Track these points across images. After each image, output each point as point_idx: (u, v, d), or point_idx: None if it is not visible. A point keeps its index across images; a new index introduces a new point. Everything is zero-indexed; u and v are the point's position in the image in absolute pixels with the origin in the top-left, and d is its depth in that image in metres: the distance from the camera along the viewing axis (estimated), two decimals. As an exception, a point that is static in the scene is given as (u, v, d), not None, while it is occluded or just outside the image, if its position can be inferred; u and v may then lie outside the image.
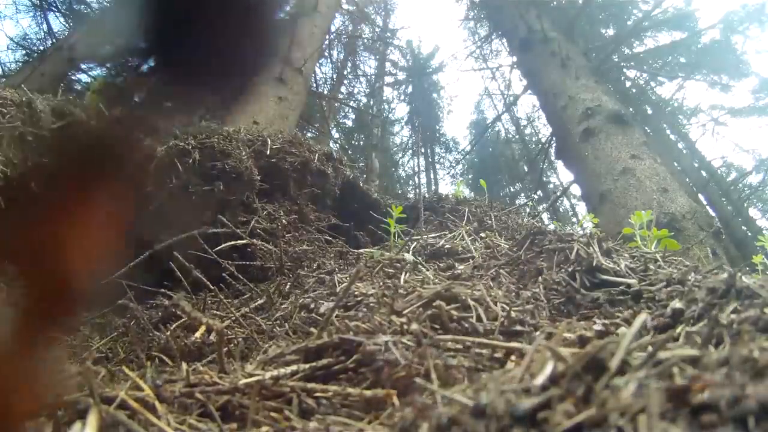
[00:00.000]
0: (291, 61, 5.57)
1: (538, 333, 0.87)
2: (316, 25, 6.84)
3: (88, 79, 8.65)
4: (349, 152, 12.32)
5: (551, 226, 1.95)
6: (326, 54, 11.43)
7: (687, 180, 8.83)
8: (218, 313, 1.41)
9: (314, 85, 8.35)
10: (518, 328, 0.89)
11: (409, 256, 1.57)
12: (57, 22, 8.87)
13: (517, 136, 15.04)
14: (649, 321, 0.83)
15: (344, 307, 1.15)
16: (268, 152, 2.39)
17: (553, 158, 8.79)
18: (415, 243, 1.83)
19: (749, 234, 7.66)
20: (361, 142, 14.08)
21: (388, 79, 15.85)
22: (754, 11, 8.06)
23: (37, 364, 0.35)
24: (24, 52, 8.69)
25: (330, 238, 2.33)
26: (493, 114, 14.71)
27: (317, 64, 9.11)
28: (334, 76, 13.35)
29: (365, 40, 14.65)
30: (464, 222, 2.29)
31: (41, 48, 8.41)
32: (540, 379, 0.51)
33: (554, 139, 7.13)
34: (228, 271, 1.59)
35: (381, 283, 1.30)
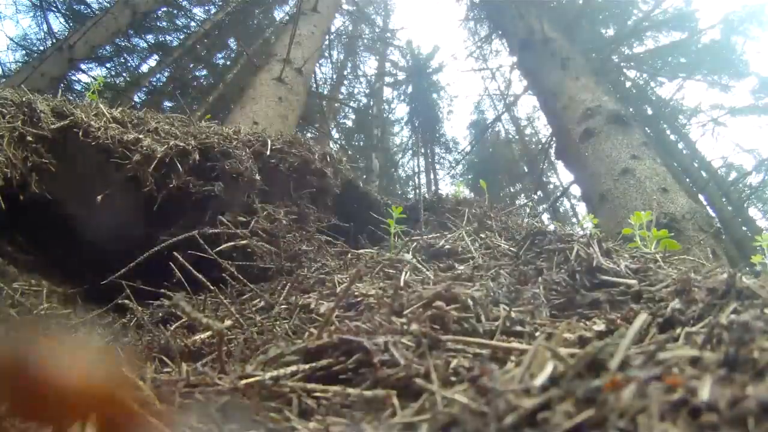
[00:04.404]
0: (291, 61, 5.56)
1: (538, 333, 0.87)
2: (315, 25, 6.84)
3: (88, 79, 8.66)
4: (349, 152, 12.32)
5: (551, 227, 1.95)
6: (326, 54, 11.43)
7: (687, 180, 8.82)
8: (222, 299, 1.41)
9: (314, 85, 8.35)
10: (518, 328, 0.89)
11: (408, 257, 1.57)
12: (57, 22, 8.89)
13: (517, 137, 15.03)
14: (649, 321, 0.83)
15: (344, 307, 1.15)
16: (268, 153, 2.39)
17: (553, 158, 8.79)
18: (415, 243, 1.83)
19: (749, 234, 7.65)
20: (361, 143, 14.08)
21: (388, 79, 15.87)
22: (754, 11, 8.06)
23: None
24: (24, 52, 8.71)
25: (330, 239, 2.33)
26: (493, 114, 14.70)
27: (317, 64, 9.11)
28: (334, 77, 13.36)
29: (365, 40, 14.66)
30: (464, 222, 2.29)
31: (41, 48, 8.42)
32: (540, 380, 0.51)
33: (554, 139, 7.13)
34: (228, 272, 1.59)
35: (381, 284, 1.30)
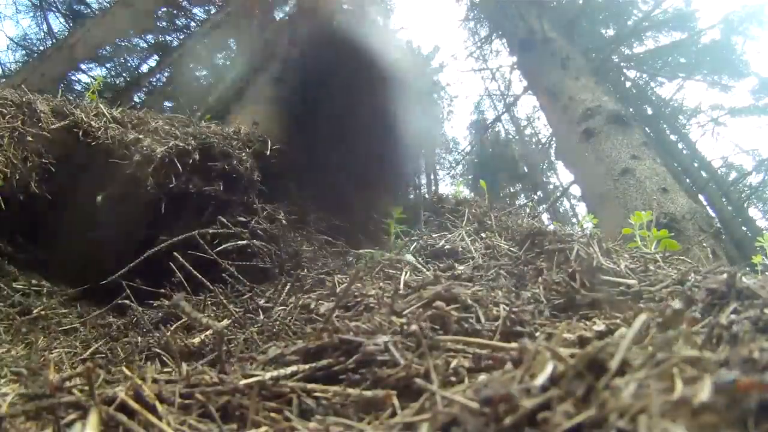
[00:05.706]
0: (291, 61, 5.56)
1: (538, 333, 0.87)
2: (316, 26, 6.84)
3: (88, 79, 8.66)
4: (349, 152, 12.28)
5: (551, 227, 1.95)
6: (326, 54, 11.41)
7: (687, 180, 8.83)
8: (222, 298, 1.41)
9: (314, 85, 8.32)
10: (518, 328, 0.89)
11: (408, 257, 1.57)
12: (57, 22, 8.88)
13: (517, 137, 15.02)
14: (649, 321, 0.83)
15: (344, 307, 1.15)
16: (268, 153, 2.39)
17: (553, 158, 8.80)
18: (415, 243, 1.83)
19: (749, 234, 7.65)
20: (361, 143, 14.03)
21: (389, 80, 15.82)
22: (754, 11, 8.06)
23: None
24: (24, 52, 8.70)
25: (330, 239, 2.33)
26: (493, 114, 14.70)
27: (317, 65, 9.09)
28: (334, 77, 13.33)
29: (365, 41, 14.63)
30: (464, 222, 2.29)
31: (41, 48, 8.42)
32: (540, 380, 0.51)
33: (554, 139, 7.14)
34: (228, 272, 1.59)
35: (381, 284, 1.30)
